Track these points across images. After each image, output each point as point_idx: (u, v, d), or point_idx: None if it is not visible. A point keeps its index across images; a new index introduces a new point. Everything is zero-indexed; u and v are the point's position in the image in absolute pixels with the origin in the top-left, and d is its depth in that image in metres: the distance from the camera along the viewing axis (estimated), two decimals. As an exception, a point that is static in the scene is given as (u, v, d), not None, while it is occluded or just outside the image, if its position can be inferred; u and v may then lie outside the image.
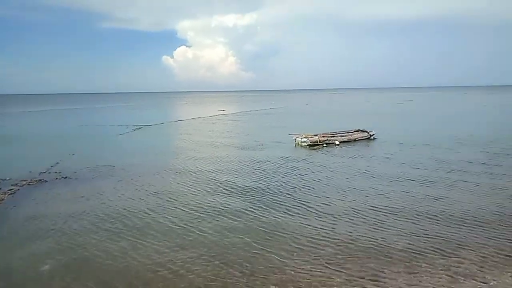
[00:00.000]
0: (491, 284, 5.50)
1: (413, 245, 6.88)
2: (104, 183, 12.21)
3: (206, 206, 9.51)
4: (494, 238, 7.05)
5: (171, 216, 8.79)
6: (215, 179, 12.32)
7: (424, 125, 29.31)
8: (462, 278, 5.67)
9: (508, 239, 6.98)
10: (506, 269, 5.91)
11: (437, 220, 8.08)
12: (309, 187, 11.16)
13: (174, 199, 10.18)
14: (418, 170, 13.06)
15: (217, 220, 8.46)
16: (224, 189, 11.15)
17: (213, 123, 35.67)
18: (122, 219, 8.73)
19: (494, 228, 7.52)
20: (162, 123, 35.10)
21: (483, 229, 7.48)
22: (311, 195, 10.30)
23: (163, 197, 10.42)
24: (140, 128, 30.41)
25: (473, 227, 7.60)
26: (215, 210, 9.15)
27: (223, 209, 9.26)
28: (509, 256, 6.35)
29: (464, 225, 7.71)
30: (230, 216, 8.68)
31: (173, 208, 9.43)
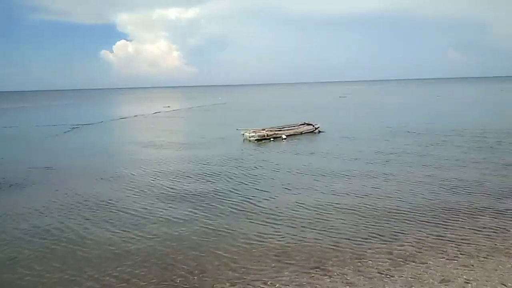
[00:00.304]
0: (429, 263, 5.82)
1: (357, 233, 7.11)
2: (33, 190, 11.24)
3: (148, 209, 9.05)
4: (428, 222, 7.48)
5: (110, 224, 8.17)
6: (158, 179, 11.82)
7: (365, 117, 30.73)
8: (403, 261, 5.95)
9: (440, 223, 7.43)
10: (440, 249, 6.29)
11: (378, 209, 8.42)
12: (256, 183, 11.14)
13: (111, 205, 9.45)
14: (359, 161, 13.60)
15: (161, 223, 8.10)
16: (168, 190, 10.77)
17: (157, 120, 34.64)
18: (52, 231, 7.88)
19: (424, 213, 7.96)
20: (102, 121, 33.38)
21: (418, 215, 7.90)
22: (257, 190, 10.29)
23: (100, 203, 9.63)
24: (77, 127, 28.63)
25: (410, 214, 8.00)
26: (158, 213, 8.76)
27: (167, 211, 8.92)
28: (442, 237, 6.77)
29: (401, 212, 8.09)
30: (175, 218, 8.36)
31: (111, 215, 8.77)
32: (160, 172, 12.84)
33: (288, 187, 10.54)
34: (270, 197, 9.60)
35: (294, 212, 8.44)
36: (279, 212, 8.43)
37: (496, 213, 7.84)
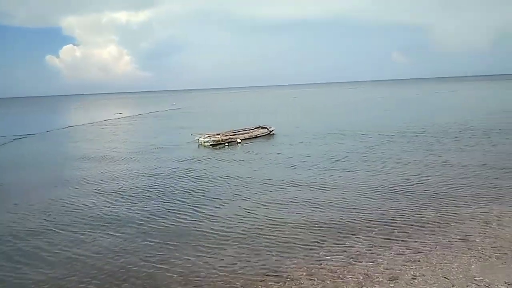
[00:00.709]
0: (378, 261, 6.00)
1: (310, 236, 7.19)
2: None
3: (97, 222, 8.63)
4: (376, 221, 7.72)
5: (55, 240, 7.69)
6: (95, 201, 10.54)
7: (315, 119, 31.52)
8: (355, 260, 6.08)
9: (387, 221, 7.69)
10: (388, 247, 6.51)
11: (328, 212, 8.55)
12: (207, 189, 10.94)
13: (56, 220, 8.94)
14: (308, 164, 13.77)
15: (111, 236, 7.74)
16: (118, 201, 10.34)
17: (108, 128, 33.28)
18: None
19: (372, 213, 8.21)
20: (48, 131, 31.49)
21: (367, 215, 8.12)
22: (208, 198, 10.12)
23: (43, 217, 9.09)
24: (19, 138, 26.77)
25: (359, 214, 8.18)
26: (108, 225, 8.38)
27: (117, 222, 8.55)
28: (390, 234, 7.03)
29: (351, 214, 8.26)
30: (126, 229, 8.04)
31: (56, 230, 8.27)
32: (99, 191, 11.38)
33: (238, 196, 10.21)
34: (222, 204, 9.43)
35: (247, 218, 8.36)
36: (231, 219, 8.31)
37: (438, 208, 8.26)
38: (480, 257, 5.91)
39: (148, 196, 10.65)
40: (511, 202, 8.41)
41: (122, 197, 10.62)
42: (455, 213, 7.92)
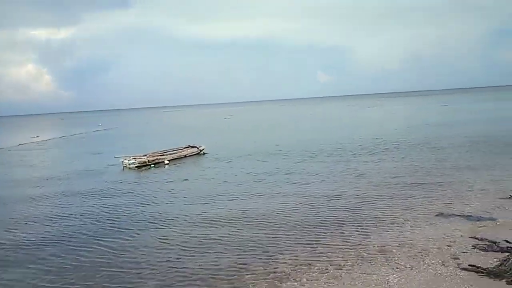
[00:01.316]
0: (302, 280, 5.95)
1: (233, 260, 6.93)
2: None
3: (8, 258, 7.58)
4: (301, 238, 7.74)
5: None
6: (21, 221, 10.00)
7: (246, 138, 31.79)
8: (279, 282, 5.97)
9: (311, 238, 7.74)
10: (312, 264, 6.50)
11: (252, 231, 8.40)
12: (119, 218, 10.15)
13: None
14: (235, 184, 13.58)
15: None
16: (34, 230, 9.25)
17: (20, 154, 30.19)
18: None
19: (296, 230, 8.23)
20: None
21: (292, 233, 8.11)
22: (119, 228, 9.35)
23: None
24: None
25: (284, 233, 8.14)
26: (19, 260, 7.39)
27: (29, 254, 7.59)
28: (314, 251, 7.05)
29: (275, 233, 8.19)
30: (42, 262, 7.16)
31: None
32: (26, 208, 10.86)
33: (153, 224, 9.43)
34: (128, 240, 8.45)
35: (157, 253, 7.56)
36: (140, 257, 7.39)
37: (358, 221, 8.56)
38: (397, 267, 6.14)
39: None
40: (422, 210, 9.01)
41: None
42: (374, 225, 8.26)
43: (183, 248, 7.71)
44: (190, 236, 8.37)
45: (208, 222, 9.28)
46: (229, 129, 43.52)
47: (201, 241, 8.00)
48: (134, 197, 12.52)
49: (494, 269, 5.68)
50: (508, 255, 6.04)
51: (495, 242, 6.71)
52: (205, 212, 10.18)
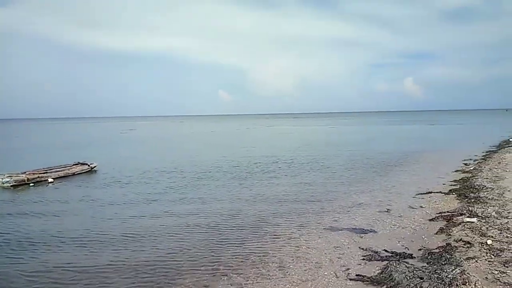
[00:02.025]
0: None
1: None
2: None
3: None
4: (201, 257, 7.63)
5: None
6: None
7: (141, 154, 30.42)
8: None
9: (212, 257, 7.70)
10: (214, 285, 6.41)
11: (151, 256, 8.03)
12: None
13: None
14: (129, 205, 12.68)
15: None
16: None
17: None
18: None
19: (195, 248, 8.16)
20: None
21: (191, 253, 7.97)
22: None
23: None
24: None
25: (183, 255, 7.92)
26: None
27: None
28: (216, 271, 6.97)
29: (176, 253, 7.98)
30: None
31: None
32: None
33: (18, 258, 7.96)
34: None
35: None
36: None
37: (258, 239, 8.75)
38: (294, 282, 6.40)
39: None
40: (315, 225, 9.64)
41: None
42: (272, 241, 8.53)
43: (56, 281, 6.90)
44: (63, 270, 7.41)
45: (85, 256, 8.15)
46: (125, 145, 41.08)
47: (84, 269, 7.26)
48: (8, 220, 10.83)
49: (377, 277, 6.32)
50: (387, 263, 6.80)
51: (376, 252, 7.50)
52: (87, 235, 9.31)
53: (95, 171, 20.07)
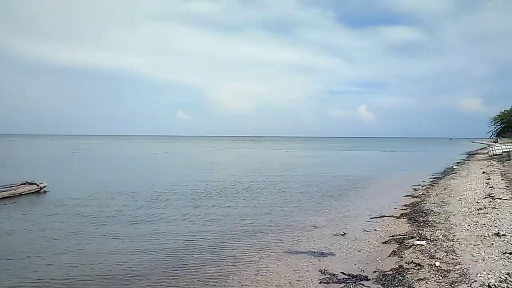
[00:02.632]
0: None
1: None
2: None
3: None
4: (159, 279, 7.47)
5: None
6: None
7: (93, 174, 29.26)
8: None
9: (170, 278, 7.59)
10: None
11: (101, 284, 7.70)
12: None
13: None
14: (77, 229, 11.90)
15: None
16: None
17: None
18: None
19: (158, 277, 7.93)
20: None
21: (148, 281, 7.74)
22: None
23: None
24: None
25: (139, 283, 7.72)
26: None
27: None
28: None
29: (131, 283, 7.66)
30: None
31: None
32: None
33: None
34: None
35: None
36: None
37: (217, 263, 8.66)
38: (254, 306, 6.41)
39: None
40: (275, 249, 9.73)
41: None
42: (233, 265, 8.49)
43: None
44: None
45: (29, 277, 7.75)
46: (78, 164, 39.27)
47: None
48: None
49: (334, 299, 6.48)
50: (344, 285, 7.00)
51: (334, 274, 7.69)
52: (22, 264, 8.73)
53: (45, 191, 18.99)
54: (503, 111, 46.74)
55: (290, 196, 18.57)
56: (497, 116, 47.15)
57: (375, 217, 13.38)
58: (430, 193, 18.02)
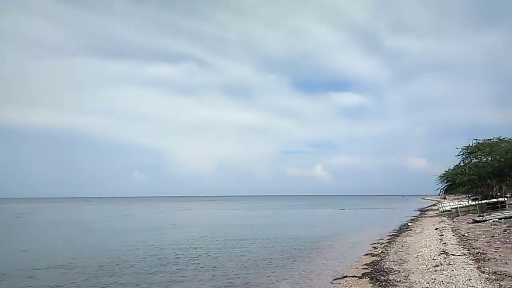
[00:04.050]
0: None
1: None
2: None
3: None
4: None
5: None
6: None
7: (37, 242, 27.02)
8: None
9: None
10: None
11: None
12: None
13: None
14: None
15: None
16: None
17: None
18: None
19: None
20: None
21: None
22: None
23: None
24: None
25: None
26: None
27: None
28: None
29: None
30: None
31: None
32: None
33: None
34: None
35: None
36: None
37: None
38: None
39: None
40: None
41: None
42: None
43: None
44: None
45: None
46: (18, 231, 36.10)
47: None
48: None
49: None
50: None
51: None
52: None
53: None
54: (447, 170, 49.91)
55: (252, 259, 17.98)
56: (442, 175, 50.19)
57: (338, 278, 13.26)
58: (388, 251, 18.30)
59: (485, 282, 10.22)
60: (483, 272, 11.36)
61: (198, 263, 17.22)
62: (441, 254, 15.18)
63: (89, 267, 16.32)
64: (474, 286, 9.85)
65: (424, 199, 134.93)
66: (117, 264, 16.89)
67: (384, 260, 15.59)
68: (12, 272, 15.27)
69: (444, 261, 13.52)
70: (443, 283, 10.50)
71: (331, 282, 12.70)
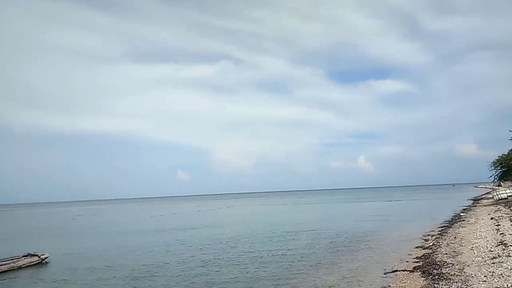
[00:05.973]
0: None
1: None
2: None
3: None
4: None
5: None
6: None
7: (98, 242, 28.66)
8: None
9: None
10: None
11: None
12: None
13: None
14: None
15: None
16: None
17: None
18: None
19: None
20: None
21: None
22: None
23: None
24: None
25: None
26: None
27: None
28: None
29: None
30: None
31: None
32: None
33: None
34: None
35: None
36: None
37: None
38: None
39: None
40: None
41: None
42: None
43: None
44: None
45: None
46: (79, 233, 38.49)
47: None
48: None
49: None
50: None
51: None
52: None
53: (46, 263, 18.49)
54: (501, 155, 46.72)
55: (299, 255, 18.01)
56: (496, 161, 47.05)
57: (388, 272, 12.98)
58: (440, 243, 17.61)
59: (549, 274, 9.59)
60: (547, 263, 10.66)
61: (247, 259, 17.61)
62: (499, 245, 14.39)
63: (154, 267, 17.25)
64: (537, 279, 9.28)
65: (477, 187, 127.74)
66: (173, 261, 17.73)
67: (436, 253, 15.04)
68: (74, 271, 16.36)
69: (503, 253, 12.82)
70: (502, 276, 9.98)
71: (381, 277, 12.46)
